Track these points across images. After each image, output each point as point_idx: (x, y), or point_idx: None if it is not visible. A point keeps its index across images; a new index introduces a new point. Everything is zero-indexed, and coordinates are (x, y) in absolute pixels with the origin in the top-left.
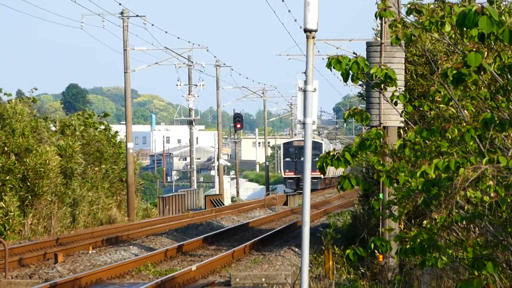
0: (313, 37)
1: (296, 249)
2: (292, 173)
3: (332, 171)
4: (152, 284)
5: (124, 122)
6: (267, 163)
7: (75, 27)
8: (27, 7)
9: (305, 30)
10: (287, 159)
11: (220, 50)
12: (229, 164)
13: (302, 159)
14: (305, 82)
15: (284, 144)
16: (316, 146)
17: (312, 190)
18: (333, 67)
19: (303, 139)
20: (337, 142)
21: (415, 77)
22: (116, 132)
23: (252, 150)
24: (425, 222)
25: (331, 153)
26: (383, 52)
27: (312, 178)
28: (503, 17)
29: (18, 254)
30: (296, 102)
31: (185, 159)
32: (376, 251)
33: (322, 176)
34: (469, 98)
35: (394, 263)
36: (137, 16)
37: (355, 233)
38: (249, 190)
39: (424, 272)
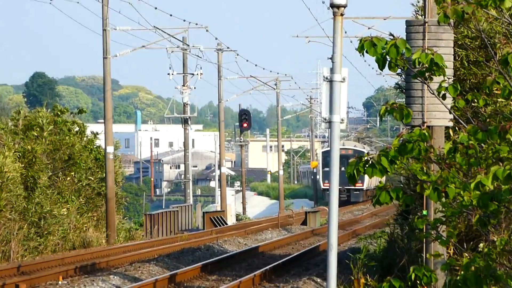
0: (342, 14)
1: (319, 280)
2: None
3: (375, 181)
4: None
5: (102, 121)
6: (281, 172)
7: (42, 1)
8: None
9: (332, 5)
10: (327, 168)
11: (223, 30)
12: (233, 173)
13: (343, 169)
14: (332, 70)
15: (323, 152)
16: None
17: (354, 203)
18: (366, 52)
19: (344, 147)
20: (373, 148)
21: (466, 64)
22: (95, 134)
23: (262, 155)
24: (481, 245)
25: (364, 158)
26: (427, 33)
27: (354, 190)
28: None
29: None
30: (318, 95)
31: (178, 167)
32: (418, 283)
33: (364, 187)
34: None
35: None
36: None
37: (392, 260)
38: (258, 206)
39: None
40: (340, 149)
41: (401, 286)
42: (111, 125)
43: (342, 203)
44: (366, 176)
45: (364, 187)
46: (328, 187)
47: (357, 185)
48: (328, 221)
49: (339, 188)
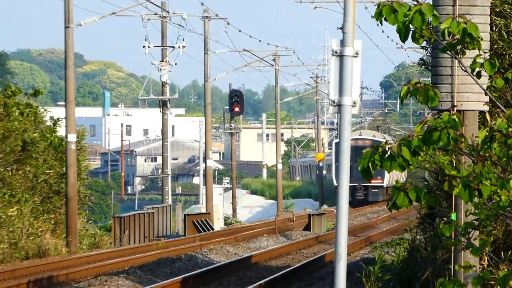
0: None
1: None
2: None
3: (397, 176)
4: None
5: (63, 103)
6: (279, 166)
7: None
8: None
9: None
10: None
11: None
12: (221, 167)
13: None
14: (342, 43)
15: (336, 143)
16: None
17: (372, 202)
18: (385, 19)
19: (361, 137)
20: (393, 137)
21: (506, 36)
22: (56, 120)
23: (257, 146)
24: None
25: (381, 149)
26: None
27: (372, 187)
28: None
29: None
30: (325, 73)
31: (155, 159)
32: None
33: (384, 184)
34: None
35: None
36: None
37: (413, 273)
38: (252, 207)
39: None
40: (357, 139)
41: None
42: (74, 109)
43: (358, 203)
44: (385, 172)
45: (384, 184)
46: None
47: (375, 181)
48: (336, 226)
49: (355, 186)
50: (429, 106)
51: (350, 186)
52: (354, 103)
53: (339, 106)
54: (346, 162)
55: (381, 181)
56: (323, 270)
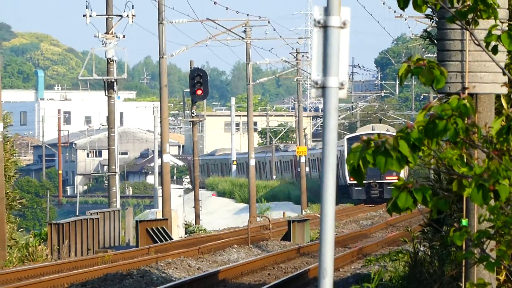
0: None
1: None
2: None
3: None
4: None
5: None
6: (252, 162)
7: None
8: None
9: None
10: None
11: None
12: (181, 163)
13: None
14: (326, 11)
15: (348, 139)
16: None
17: (387, 200)
18: None
19: (374, 132)
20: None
21: None
22: None
23: (225, 137)
24: None
25: (373, 142)
26: None
27: (388, 184)
28: None
29: None
30: (308, 48)
31: (99, 153)
32: None
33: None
34: None
35: None
36: None
37: None
38: (218, 212)
39: None
40: (371, 134)
41: None
42: (0, 92)
43: (373, 201)
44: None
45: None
46: (356, 182)
47: (390, 178)
48: (321, 235)
49: (370, 183)
50: (434, 89)
51: (365, 183)
52: (342, 84)
53: (323, 88)
54: (332, 157)
55: (396, 178)
56: None
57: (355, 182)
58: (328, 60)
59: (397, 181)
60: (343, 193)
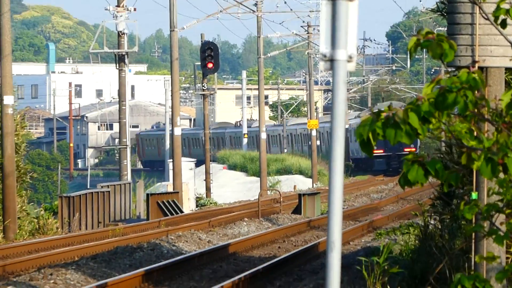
0: None
1: None
2: (381, 151)
3: None
4: None
5: None
6: (263, 136)
7: None
8: None
9: None
10: None
11: None
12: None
13: None
14: None
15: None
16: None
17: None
18: None
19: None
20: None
21: None
22: None
23: (236, 110)
24: None
25: (383, 115)
26: None
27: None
28: None
29: None
30: (318, 22)
31: (110, 126)
32: None
33: (417, 152)
34: None
35: None
36: None
37: (426, 265)
38: (229, 185)
39: None
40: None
41: None
42: (10, 65)
43: (394, 171)
44: (418, 140)
45: (418, 152)
46: (377, 154)
47: (408, 149)
48: (329, 207)
49: (390, 155)
50: (444, 62)
51: (385, 155)
52: (350, 57)
53: (331, 61)
54: (341, 130)
55: (414, 149)
56: (315, 261)
57: (377, 154)
58: (336, 33)
59: (414, 151)
60: (356, 166)
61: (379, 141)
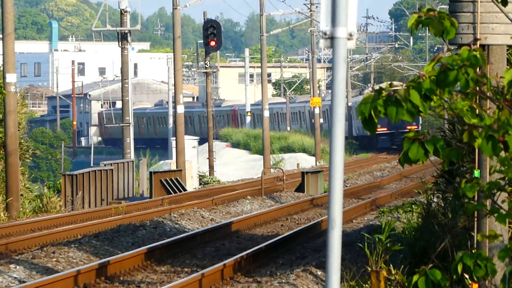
0: None
1: (319, 272)
2: (385, 129)
3: None
4: None
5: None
6: (266, 114)
7: None
8: None
9: None
10: None
11: None
12: None
13: None
14: None
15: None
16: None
17: None
18: None
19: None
20: None
21: None
22: None
23: (239, 88)
24: None
25: (385, 92)
26: None
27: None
28: None
29: None
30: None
31: (113, 104)
32: (466, 276)
33: (419, 129)
34: None
35: None
36: None
37: (429, 244)
38: (232, 163)
39: None
40: (395, 90)
41: (442, 280)
42: (13, 43)
43: (399, 149)
44: (420, 117)
45: (420, 129)
46: (381, 132)
47: (410, 127)
48: (330, 184)
49: (393, 132)
50: (445, 39)
51: (389, 133)
52: (351, 35)
53: (331, 39)
54: (341, 107)
55: (416, 127)
56: (318, 239)
57: (380, 132)
58: (336, 10)
59: (416, 130)
60: (360, 144)
61: (382, 119)
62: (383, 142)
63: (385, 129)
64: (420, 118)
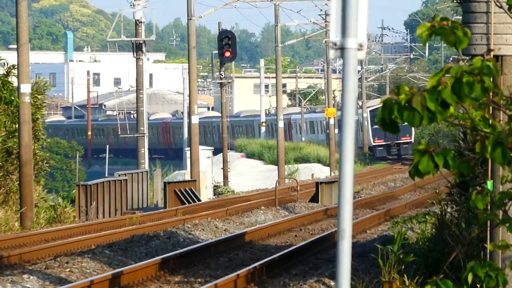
0: None
1: (332, 283)
2: (382, 141)
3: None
4: None
5: (15, 46)
6: (280, 124)
7: None
8: None
9: None
10: (376, 126)
11: None
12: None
13: None
14: None
15: (371, 111)
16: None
17: (404, 157)
18: None
19: None
20: None
21: None
22: (11, 68)
23: (254, 99)
24: None
25: (402, 97)
26: None
27: (403, 143)
28: None
29: None
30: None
31: (129, 115)
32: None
33: (411, 140)
34: None
35: None
36: None
37: (442, 254)
38: (247, 173)
39: None
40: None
41: None
42: (28, 53)
43: (398, 157)
44: (413, 129)
45: (412, 140)
46: (378, 144)
47: (404, 139)
48: (339, 194)
49: (389, 143)
50: (458, 49)
51: (385, 144)
52: (361, 45)
53: (341, 49)
54: (351, 117)
55: (409, 138)
56: (331, 250)
57: (377, 144)
58: (346, 21)
59: (409, 140)
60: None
61: (379, 132)
62: (380, 152)
63: (382, 141)
64: (413, 129)
